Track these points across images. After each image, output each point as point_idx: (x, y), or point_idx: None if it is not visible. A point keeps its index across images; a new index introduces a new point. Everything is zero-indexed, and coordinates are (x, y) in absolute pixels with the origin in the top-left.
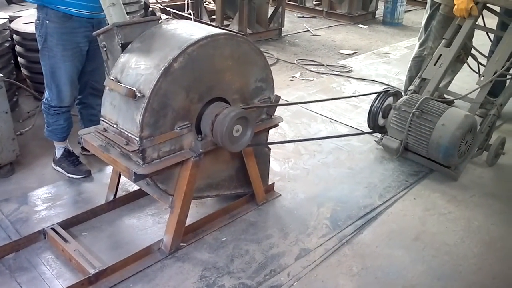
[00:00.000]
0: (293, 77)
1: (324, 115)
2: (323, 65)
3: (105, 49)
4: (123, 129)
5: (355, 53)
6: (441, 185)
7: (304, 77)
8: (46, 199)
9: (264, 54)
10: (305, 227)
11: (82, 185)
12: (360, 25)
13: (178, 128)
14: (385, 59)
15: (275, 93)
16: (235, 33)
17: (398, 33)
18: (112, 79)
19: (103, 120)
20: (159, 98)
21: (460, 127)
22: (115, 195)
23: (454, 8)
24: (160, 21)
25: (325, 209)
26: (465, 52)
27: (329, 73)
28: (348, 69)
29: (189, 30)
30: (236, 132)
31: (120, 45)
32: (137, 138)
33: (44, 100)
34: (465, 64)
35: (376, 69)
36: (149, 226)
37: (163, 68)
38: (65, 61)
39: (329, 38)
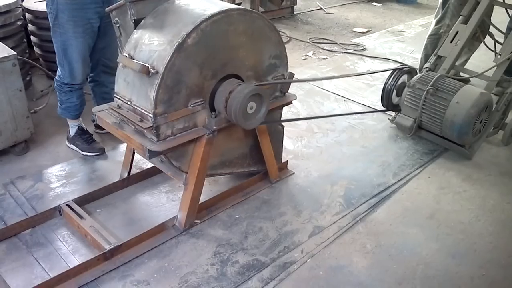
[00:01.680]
0: (306, 55)
1: (338, 93)
2: (336, 43)
3: (118, 25)
4: (137, 106)
5: (368, 31)
6: (456, 164)
7: (317, 56)
8: (61, 176)
9: (277, 29)
10: (318, 205)
11: (96, 162)
12: (374, 3)
13: (191, 105)
14: (399, 37)
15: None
16: (249, 9)
17: (412, 11)
18: (126, 56)
19: (117, 97)
20: (172, 75)
21: (475, 105)
22: (129, 173)
23: None
24: None
25: (338, 187)
26: (482, 30)
27: (342, 52)
28: (362, 48)
29: (203, 6)
30: (250, 109)
31: (133, 21)
32: (151, 115)
33: (56, 77)
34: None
35: (390, 47)
36: (163, 203)
37: (176, 44)
38: (76, 38)
39: (342, 16)
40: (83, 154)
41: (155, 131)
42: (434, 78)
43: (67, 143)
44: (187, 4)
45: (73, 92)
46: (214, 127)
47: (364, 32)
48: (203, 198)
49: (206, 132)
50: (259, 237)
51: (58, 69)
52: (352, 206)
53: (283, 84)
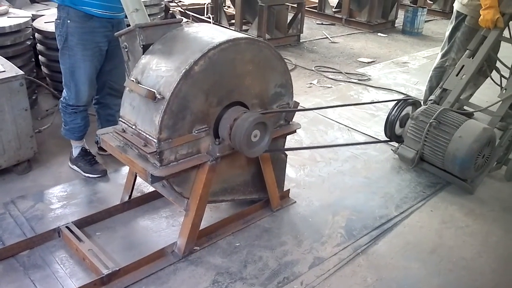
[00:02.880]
0: (310, 83)
1: (341, 122)
2: (341, 72)
3: (126, 50)
4: (141, 131)
5: (373, 61)
6: (459, 198)
7: (321, 84)
8: (61, 197)
9: (283, 58)
10: (319, 235)
11: (97, 184)
12: (379, 34)
13: (196, 131)
14: (404, 68)
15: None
16: (256, 38)
17: (417, 42)
18: (133, 80)
19: (122, 121)
20: (178, 101)
21: (477, 140)
22: (130, 196)
23: (479, 19)
24: (182, 24)
25: (340, 217)
26: (488, 64)
27: (347, 81)
28: (367, 77)
29: (211, 34)
30: (254, 137)
31: (142, 46)
32: (155, 140)
33: (61, 99)
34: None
35: (394, 78)
36: (163, 228)
37: (183, 71)
38: (85, 61)
39: (347, 45)
40: (85, 176)
41: (158, 156)
42: (438, 111)
43: (69, 163)
44: (196, 31)
45: (77, 114)
46: (218, 154)
47: (369, 62)
48: (203, 224)
49: (209, 159)
50: (259, 267)
51: (64, 90)
52: (353, 238)
53: (287, 112)
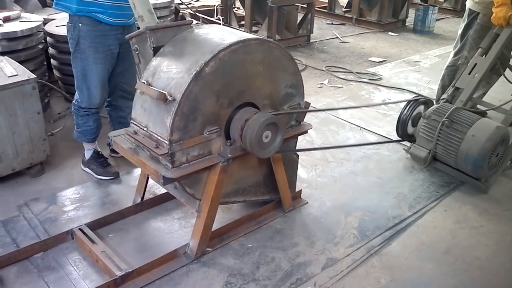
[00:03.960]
0: (321, 84)
1: (353, 122)
2: (352, 72)
3: (137, 52)
4: (153, 132)
5: (384, 61)
6: (473, 198)
7: (332, 84)
8: (74, 199)
9: (294, 59)
10: (332, 236)
11: (110, 186)
12: (390, 33)
13: (207, 133)
14: (415, 67)
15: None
16: (266, 39)
17: (429, 41)
18: (144, 82)
19: (133, 123)
20: (189, 102)
21: (490, 138)
22: (142, 198)
23: (492, 17)
24: (192, 25)
25: (352, 218)
26: (501, 62)
27: (358, 81)
28: (378, 77)
29: (221, 35)
30: (266, 138)
31: (152, 48)
32: (166, 142)
33: (74, 101)
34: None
35: (406, 77)
36: (176, 229)
37: (194, 73)
38: (96, 64)
39: (358, 45)
40: (97, 178)
41: (170, 158)
42: (450, 110)
43: (82, 166)
44: (206, 33)
45: (90, 116)
46: (229, 155)
47: (380, 62)
48: (215, 225)
49: (220, 160)
50: (271, 268)
51: (76, 93)
52: (366, 239)
53: (299, 113)
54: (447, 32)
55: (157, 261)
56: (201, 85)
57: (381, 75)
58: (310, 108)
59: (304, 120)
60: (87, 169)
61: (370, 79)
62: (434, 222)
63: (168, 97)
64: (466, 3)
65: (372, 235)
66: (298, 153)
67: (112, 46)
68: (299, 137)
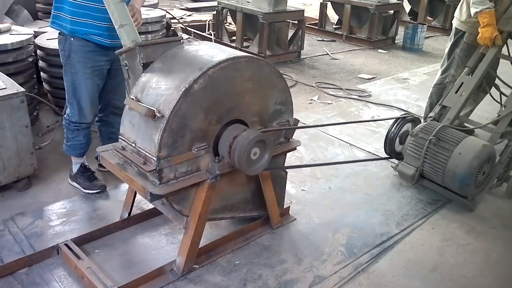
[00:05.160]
0: (311, 100)
1: (342, 139)
2: (341, 88)
3: (126, 68)
4: (141, 148)
5: (374, 77)
6: (460, 215)
7: (322, 100)
8: (61, 214)
9: (283, 76)
10: (319, 253)
11: (97, 201)
12: (379, 50)
13: (195, 149)
14: (404, 84)
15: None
16: (256, 56)
17: (418, 59)
18: (132, 98)
19: (121, 138)
20: (178, 119)
21: (477, 156)
22: (129, 213)
23: (478, 37)
24: (182, 42)
25: (340, 235)
26: (488, 81)
27: (347, 97)
28: (367, 94)
29: (211, 52)
30: (254, 155)
31: (142, 64)
32: (154, 158)
33: (65, 115)
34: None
35: (395, 94)
36: (163, 245)
37: (183, 89)
38: (86, 78)
39: (348, 62)
40: (84, 192)
41: (158, 174)
42: (437, 128)
43: (69, 180)
44: (196, 50)
45: (80, 131)
46: (217, 172)
47: (369, 79)
48: (203, 242)
49: (209, 177)
50: (258, 285)
51: (68, 107)
52: (354, 256)
53: (287, 130)
54: (436, 50)
55: (143, 278)
56: (190, 102)
57: (370, 92)
58: (299, 125)
59: (293, 137)
60: (74, 183)
61: (359, 96)
62: (421, 240)
63: (157, 113)
64: (453, 22)
65: (360, 252)
66: (286, 169)
67: (102, 62)
68: (288, 153)
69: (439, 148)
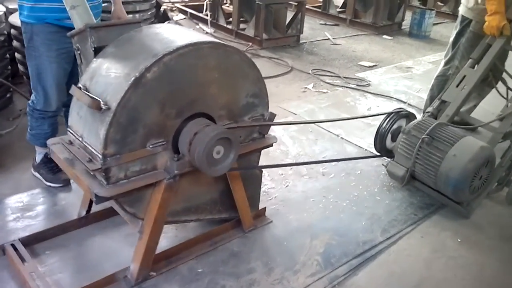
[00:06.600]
0: (305, 88)
1: (333, 132)
2: (339, 76)
3: (78, 52)
4: (87, 144)
5: (375, 65)
6: (454, 223)
7: (317, 89)
8: (16, 208)
9: (278, 61)
10: (293, 263)
11: (58, 195)
12: (384, 36)
13: (150, 146)
14: (407, 73)
15: (284, 107)
16: (223, 43)
17: (424, 46)
18: (80, 87)
19: (69, 131)
20: (127, 112)
21: (473, 159)
22: (88, 211)
23: (484, 26)
24: (141, 24)
25: (318, 242)
26: (494, 74)
27: (344, 86)
28: (366, 83)
29: (172, 37)
30: (217, 154)
31: (93, 49)
32: (100, 155)
33: (29, 102)
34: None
35: (396, 84)
36: (122, 248)
37: (133, 79)
38: (51, 62)
39: (349, 48)
40: (46, 184)
41: (104, 174)
42: (432, 126)
43: (32, 170)
44: (156, 33)
45: (45, 120)
46: (176, 172)
47: (370, 67)
48: (165, 245)
49: (166, 177)
50: None
51: (33, 94)
52: (330, 267)
53: (261, 126)
54: (444, 38)
55: (92, 286)
56: (142, 93)
57: (369, 81)
58: (289, 114)
59: (281, 128)
60: (37, 174)
61: (357, 85)
62: (408, 250)
63: (103, 105)
64: (459, 8)
65: (337, 263)
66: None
67: (68, 44)
68: (273, 147)
69: (432, 148)
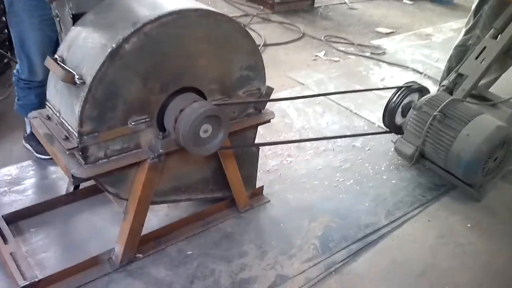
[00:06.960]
0: (316, 56)
1: (342, 104)
2: (353, 44)
3: (58, 19)
4: (64, 120)
5: (392, 32)
6: (464, 206)
7: (329, 57)
8: (3, 182)
9: (290, 27)
10: (288, 246)
11: (48, 168)
12: (404, 0)
13: (132, 123)
14: (426, 41)
15: (289, 79)
16: (213, 10)
17: (446, 12)
18: (56, 58)
19: (48, 105)
20: (104, 87)
21: (487, 140)
22: (76, 187)
23: None
24: None
25: (317, 224)
26: None
27: (358, 54)
28: (381, 51)
29: (156, 4)
30: (204, 133)
31: (71, 16)
32: (76, 133)
33: (14, 71)
34: None
35: (413, 53)
36: (110, 226)
37: (109, 50)
38: (33, 29)
39: (367, 13)
40: (37, 156)
41: (81, 153)
42: (445, 102)
43: (23, 141)
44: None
45: (31, 90)
46: (161, 150)
47: (387, 33)
48: (155, 224)
49: (150, 156)
50: (208, 284)
51: (18, 62)
52: (328, 252)
53: (255, 102)
54: (469, 3)
55: (74, 268)
56: (120, 66)
57: (385, 49)
58: (295, 84)
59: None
60: (28, 145)
61: (372, 53)
62: (413, 235)
63: (77, 79)
64: None
65: (336, 248)
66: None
67: (50, 9)
68: (277, 119)
69: (444, 126)
